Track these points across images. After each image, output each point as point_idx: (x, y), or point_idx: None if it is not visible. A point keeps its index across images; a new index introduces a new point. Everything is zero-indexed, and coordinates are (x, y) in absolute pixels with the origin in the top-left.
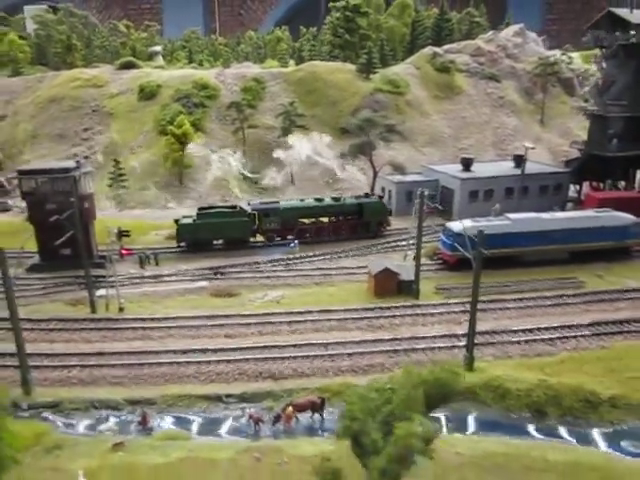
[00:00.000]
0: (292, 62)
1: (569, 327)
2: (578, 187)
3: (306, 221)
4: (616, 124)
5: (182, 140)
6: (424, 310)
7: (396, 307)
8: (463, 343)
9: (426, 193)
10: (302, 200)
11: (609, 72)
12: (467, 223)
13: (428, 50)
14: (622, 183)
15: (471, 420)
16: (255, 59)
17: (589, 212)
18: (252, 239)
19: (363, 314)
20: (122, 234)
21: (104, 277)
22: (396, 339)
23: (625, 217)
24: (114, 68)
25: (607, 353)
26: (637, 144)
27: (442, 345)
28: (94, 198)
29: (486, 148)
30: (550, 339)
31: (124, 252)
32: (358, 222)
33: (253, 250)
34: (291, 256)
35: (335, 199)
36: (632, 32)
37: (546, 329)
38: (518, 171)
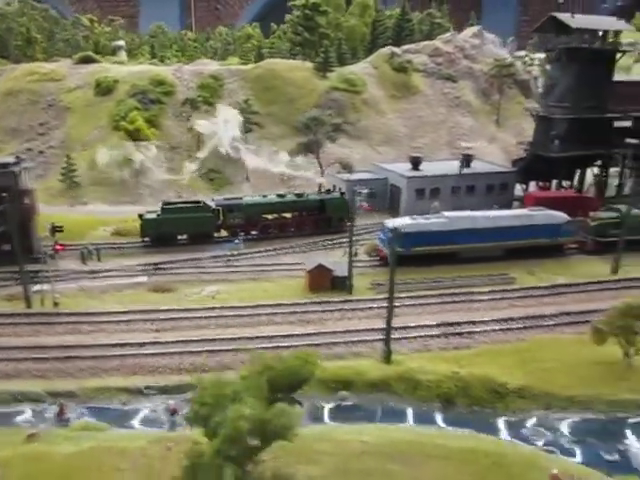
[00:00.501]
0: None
1: (490, 321)
2: (525, 186)
3: (269, 217)
4: (559, 125)
5: (135, 136)
6: (354, 305)
7: (327, 302)
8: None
9: (364, 191)
10: (265, 196)
11: (553, 74)
12: (405, 221)
13: (386, 50)
14: (568, 183)
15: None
16: (223, 55)
17: (524, 210)
18: (216, 234)
19: (293, 309)
20: (55, 229)
21: (40, 273)
22: (321, 333)
23: (558, 216)
24: (72, 62)
25: (522, 346)
26: (578, 145)
27: (366, 338)
28: (35, 194)
29: (441, 147)
30: (470, 333)
31: (58, 247)
32: (320, 217)
33: (198, 247)
34: (235, 252)
35: (298, 195)
36: (572, 36)
37: (467, 323)
38: (471, 170)
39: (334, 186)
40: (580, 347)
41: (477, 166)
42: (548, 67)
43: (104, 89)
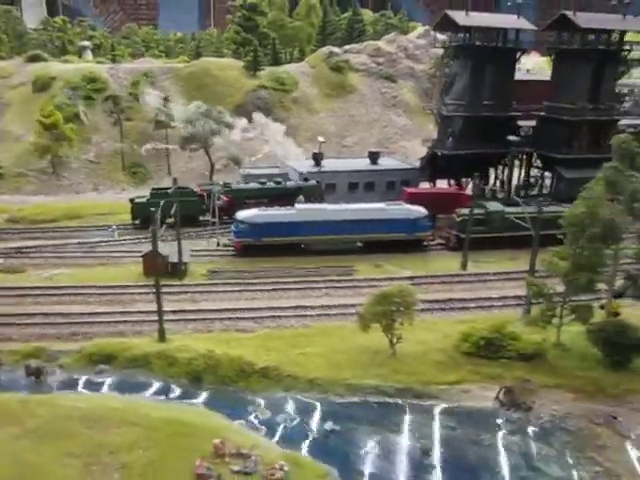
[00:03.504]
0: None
1: (290, 308)
2: (432, 184)
3: (252, 202)
4: (455, 123)
5: (53, 131)
6: (169, 289)
7: (147, 285)
8: (178, 317)
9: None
10: (247, 183)
11: (450, 72)
12: (254, 212)
13: (325, 49)
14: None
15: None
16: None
17: (380, 205)
18: (202, 217)
19: (112, 290)
20: None
21: None
22: (118, 312)
23: (415, 210)
24: (22, 61)
25: (304, 331)
26: (474, 143)
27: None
28: None
29: (370, 146)
30: (262, 317)
31: None
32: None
33: (72, 233)
34: (105, 239)
35: (277, 182)
36: (463, 34)
37: (268, 308)
38: (371, 167)
39: (237, 182)
40: (359, 335)
41: (386, 163)
42: (446, 65)
43: (40, 85)
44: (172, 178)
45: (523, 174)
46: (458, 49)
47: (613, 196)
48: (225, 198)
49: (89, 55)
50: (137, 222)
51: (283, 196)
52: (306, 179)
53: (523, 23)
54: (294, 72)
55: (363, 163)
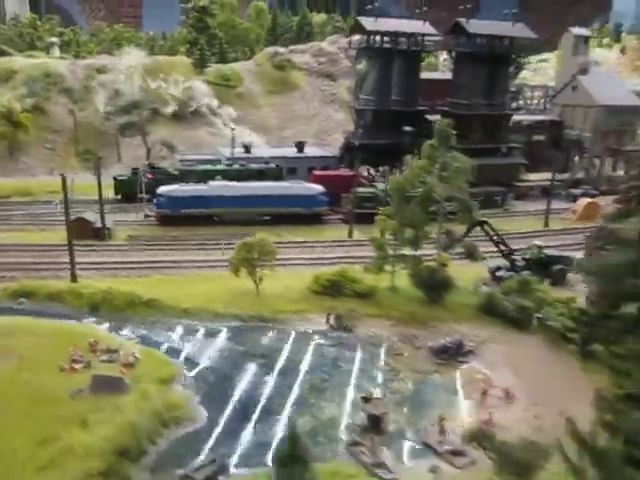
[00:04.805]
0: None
1: (186, 261)
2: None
3: None
4: (366, 116)
5: (9, 118)
6: (93, 248)
7: (75, 245)
8: (92, 267)
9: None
10: (215, 165)
11: (363, 71)
12: (173, 187)
13: (270, 49)
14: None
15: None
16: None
17: (283, 183)
18: None
19: (43, 248)
20: None
21: None
22: (43, 262)
23: (313, 188)
24: None
25: (191, 278)
26: (382, 134)
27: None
28: None
29: (308, 138)
30: (160, 268)
31: None
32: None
33: (22, 206)
34: (48, 211)
35: (242, 165)
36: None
37: (167, 261)
38: (295, 155)
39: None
40: (235, 281)
41: (310, 151)
42: (360, 65)
43: (2, 78)
44: (97, 159)
45: None
46: (369, 51)
47: (432, 169)
48: (150, 176)
49: (56, 51)
50: (119, 196)
51: (248, 177)
52: (267, 162)
53: (427, 28)
54: (240, 70)
55: (290, 151)
